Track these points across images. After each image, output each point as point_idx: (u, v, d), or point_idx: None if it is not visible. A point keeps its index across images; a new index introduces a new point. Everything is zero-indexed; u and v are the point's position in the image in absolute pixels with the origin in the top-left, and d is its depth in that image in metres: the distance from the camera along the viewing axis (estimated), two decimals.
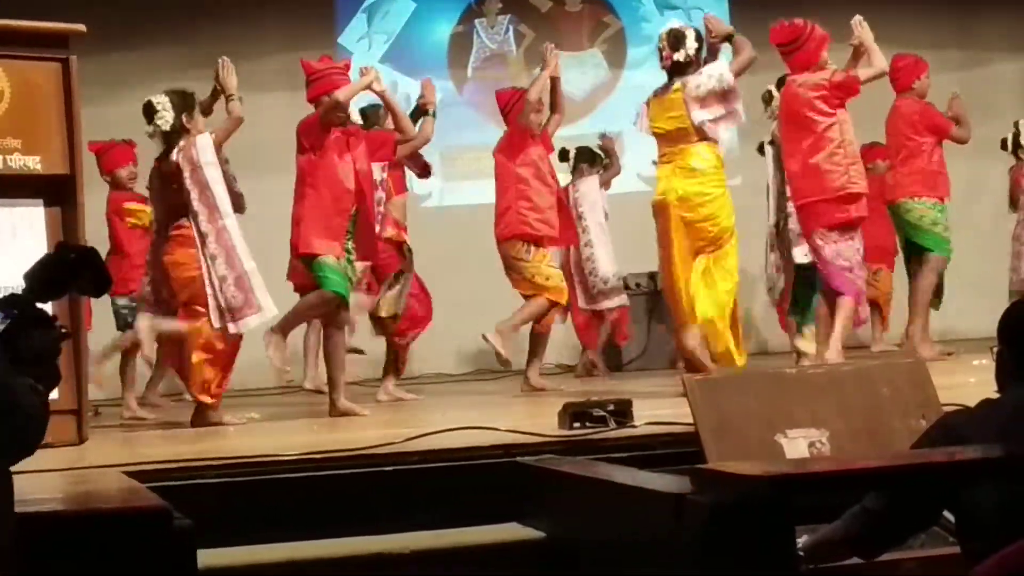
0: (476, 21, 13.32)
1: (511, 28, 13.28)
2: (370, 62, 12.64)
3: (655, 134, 8.04)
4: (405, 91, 12.56)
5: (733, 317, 7.82)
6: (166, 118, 7.63)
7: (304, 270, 7.93)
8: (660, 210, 7.92)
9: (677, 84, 7.94)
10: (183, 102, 7.67)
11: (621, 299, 10.57)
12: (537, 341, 9.15)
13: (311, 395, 9.33)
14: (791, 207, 8.78)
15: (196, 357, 7.55)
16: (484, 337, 8.82)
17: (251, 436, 7.02)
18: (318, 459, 5.45)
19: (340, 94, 7.80)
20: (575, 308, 10.43)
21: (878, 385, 4.87)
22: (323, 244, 7.74)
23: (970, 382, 7.38)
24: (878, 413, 4.82)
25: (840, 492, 3.86)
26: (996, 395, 3.85)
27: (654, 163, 8.22)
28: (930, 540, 4.24)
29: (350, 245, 7.87)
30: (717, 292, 7.72)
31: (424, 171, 9.29)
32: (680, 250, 7.82)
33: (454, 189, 12.60)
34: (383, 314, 8.65)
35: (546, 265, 9.00)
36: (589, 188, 10.54)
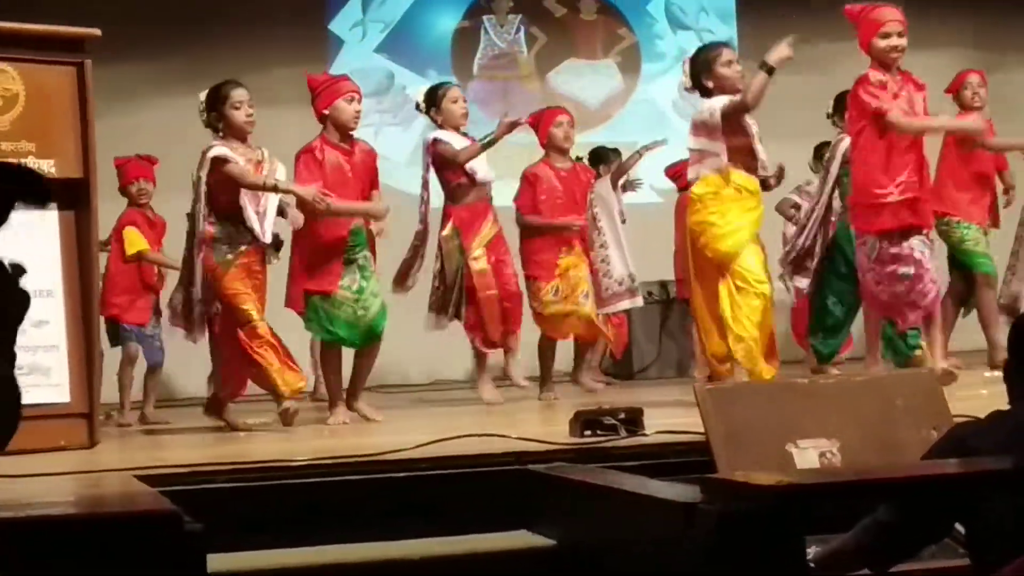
0: (484, 18, 13.12)
1: (523, 29, 13.13)
2: (364, 52, 12.65)
3: None
4: (401, 83, 12.51)
5: (767, 334, 7.72)
6: None
7: None
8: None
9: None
10: None
11: (635, 301, 10.43)
12: (582, 347, 9.26)
13: (322, 401, 9.33)
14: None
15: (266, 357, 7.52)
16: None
17: (262, 441, 7.03)
18: (328, 465, 5.45)
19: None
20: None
21: (889, 396, 4.86)
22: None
23: (982, 394, 7.38)
24: (889, 424, 4.81)
25: (851, 503, 3.86)
26: (1007, 407, 3.85)
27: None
28: (941, 552, 4.23)
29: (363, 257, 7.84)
30: (740, 314, 7.65)
31: None
32: (699, 275, 7.83)
33: None
34: None
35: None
36: (604, 189, 10.52)
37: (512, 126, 8.55)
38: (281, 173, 7.60)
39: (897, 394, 4.88)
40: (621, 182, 10.37)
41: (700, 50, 8.06)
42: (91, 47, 6.86)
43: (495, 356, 9.01)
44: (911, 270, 7.89)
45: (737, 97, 7.60)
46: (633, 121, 12.36)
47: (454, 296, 8.62)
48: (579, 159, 10.30)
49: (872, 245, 7.97)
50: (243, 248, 7.48)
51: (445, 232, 8.62)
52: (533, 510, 5.10)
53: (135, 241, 9.00)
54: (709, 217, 7.68)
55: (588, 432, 5.91)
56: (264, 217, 7.51)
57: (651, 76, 13.15)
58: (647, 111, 12.89)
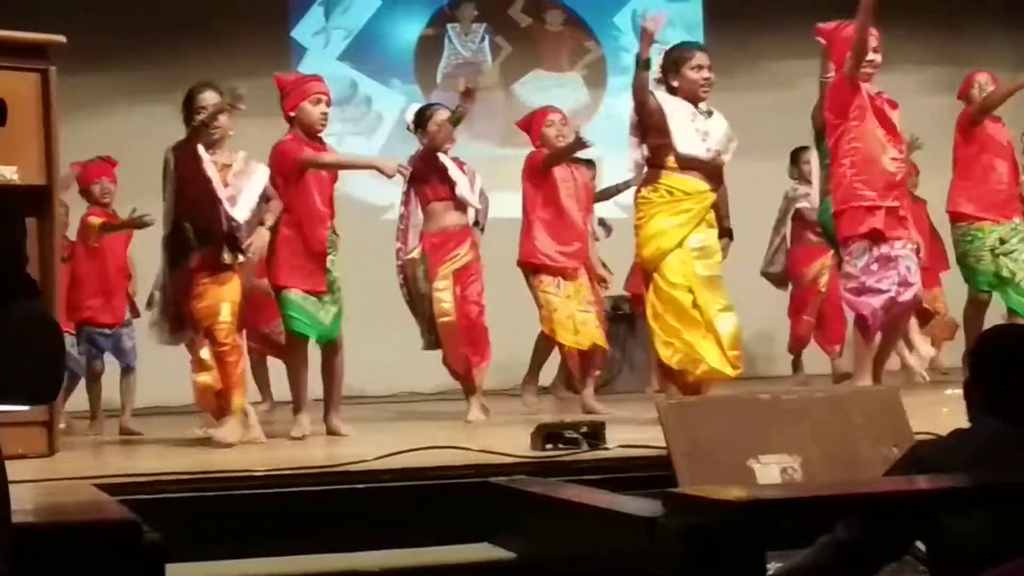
0: (448, 26, 12.98)
1: (487, 38, 13.01)
2: (327, 60, 12.45)
3: None
4: (365, 92, 12.43)
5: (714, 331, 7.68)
6: None
7: None
8: None
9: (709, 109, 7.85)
10: None
11: None
12: (583, 364, 9.18)
13: (282, 411, 9.30)
14: None
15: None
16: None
17: (222, 451, 7.00)
18: (289, 475, 5.44)
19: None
20: None
21: (851, 413, 4.88)
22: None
23: (943, 411, 7.40)
24: (851, 440, 4.83)
25: (812, 518, 3.86)
26: (968, 424, 3.86)
27: None
28: (900, 570, 4.24)
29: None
30: (663, 322, 7.66)
31: None
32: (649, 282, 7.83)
33: None
34: None
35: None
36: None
37: (469, 93, 8.50)
38: (262, 175, 7.51)
39: (858, 411, 4.90)
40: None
41: (675, 47, 8.03)
42: (56, 54, 6.82)
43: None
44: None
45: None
46: (598, 136, 12.26)
47: (427, 322, 8.54)
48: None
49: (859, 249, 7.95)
50: (209, 249, 7.39)
51: (413, 255, 8.54)
52: (494, 523, 5.09)
53: (95, 222, 8.89)
54: (639, 221, 7.69)
55: (550, 445, 5.91)
56: (236, 202, 7.41)
57: (617, 90, 13.06)
58: (613, 126, 12.79)
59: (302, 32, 12.67)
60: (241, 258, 7.37)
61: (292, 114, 7.74)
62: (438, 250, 8.48)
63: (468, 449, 5.89)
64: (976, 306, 9.41)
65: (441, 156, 8.56)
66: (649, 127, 7.66)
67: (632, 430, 6.33)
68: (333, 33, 12.68)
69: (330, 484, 5.36)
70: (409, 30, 12.86)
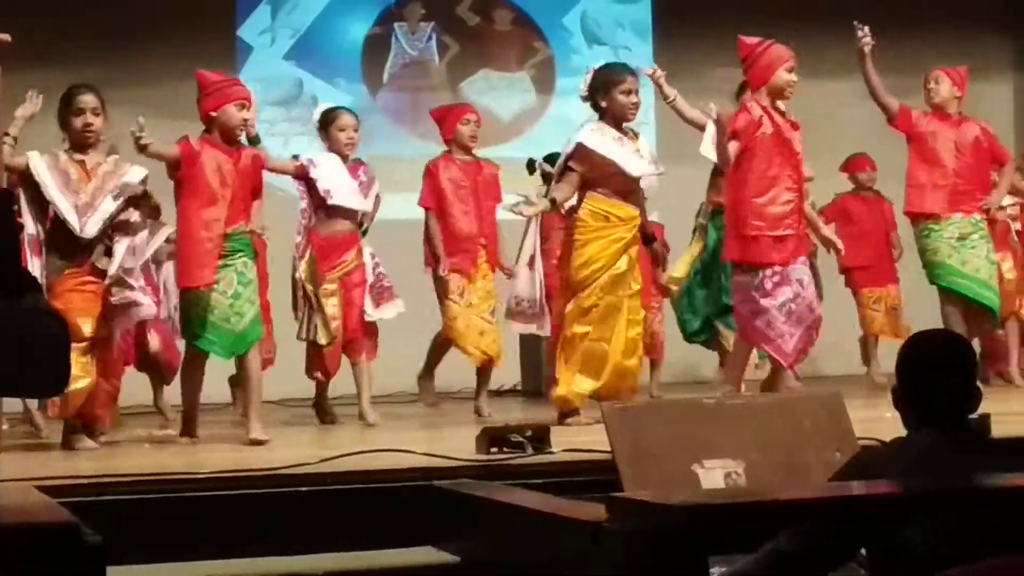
0: (396, 25, 12.83)
1: (434, 36, 12.87)
2: (273, 59, 12.35)
3: None
4: (311, 91, 12.35)
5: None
6: None
7: None
8: None
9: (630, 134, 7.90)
10: None
11: (526, 327, 10.27)
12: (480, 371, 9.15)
13: (226, 412, 9.27)
14: None
15: None
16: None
17: (164, 453, 6.97)
18: (232, 478, 5.42)
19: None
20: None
21: (795, 418, 4.90)
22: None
23: (886, 417, 7.43)
24: (794, 446, 4.84)
25: (755, 523, 3.87)
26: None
27: None
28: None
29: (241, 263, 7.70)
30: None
31: None
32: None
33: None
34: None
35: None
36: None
37: None
38: (133, 176, 7.38)
39: (802, 416, 4.91)
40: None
41: (605, 67, 8.05)
42: None
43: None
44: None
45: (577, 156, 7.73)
46: (546, 136, 12.24)
47: (310, 324, 8.50)
48: (531, 162, 10.20)
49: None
50: (75, 260, 7.32)
51: (305, 258, 8.49)
52: (438, 526, 5.09)
53: None
54: (576, 237, 7.73)
55: (495, 449, 5.91)
56: (85, 211, 7.26)
57: (566, 91, 13.00)
58: (561, 127, 12.77)
59: (248, 31, 12.53)
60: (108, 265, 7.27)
61: (213, 114, 7.56)
62: (326, 256, 8.43)
63: (413, 452, 5.88)
64: (948, 303, 9.42)
65: (332, 160, 8.57)
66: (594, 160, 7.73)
67: (577, 433, 6.33)
68: (279, 32, 12.56)
69: (274, 487, 5.35)
70: (356, 29, 12.76)
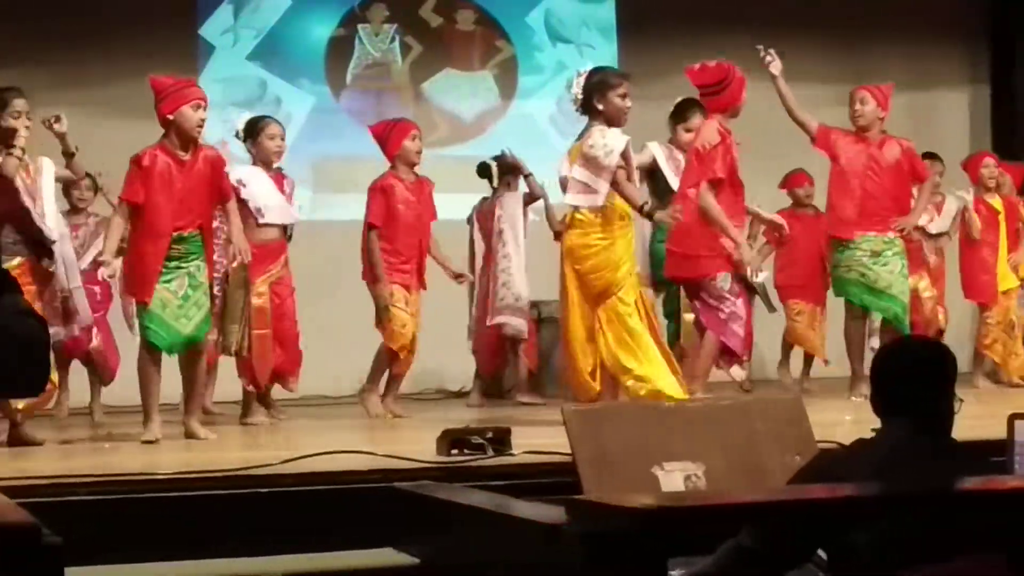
0: (359, 26, 12.72)
1: (397, 38, 12.77)
2: (236, 59, 12.22)
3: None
4: (274, 92, 12.32)
5: (668, 358, 7.84)
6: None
7: None
8: (561, 257, 7.98)
9: (587, 134, 7.87)
10: None
11: (520, 323, 10.40)
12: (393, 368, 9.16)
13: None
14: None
15: None
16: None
17: (124, 454, 6.95)
18: (192, 479, 5.41)
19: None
20: (481, 335, 10.38)
21: (755, 421, 4.91)
22: None
23: (845, 419, 7.48)
24: (754, 449, 4.86)
25: (714, 526, 3.88)
26: (868, 434, 3.91)
27: None
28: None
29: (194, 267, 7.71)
30: (610, 346, 7.73)
31: None
32: (574, 301, 7.85)
33: (326, 202, 11.93)
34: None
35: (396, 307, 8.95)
36: (514, 205, 10.47)
37: None
38: (48, 172, 7.50)
39: (761, 419, 4.93)
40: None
41: (601, 71, 8.11)
42: None
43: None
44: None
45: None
46: (509, 135, 12.22)
47: (242, 330, 8.51)
48: (485, 166, 10.24)
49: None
50: (18, 260, 7.34)
51: (235, 264, 8.47)
52: (398, 528, 5.09)
53: None
54: (599, 241, 7.75)
55: (455, 451, 5.91)
56: (44, 219, 7.42)
57: (529, 89, 13.01)
58: (524, 125, 12.77)
59: (210, 30, 12.39)
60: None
61: (170, 117, 7.58)
62: (257, 263, 8.41)
63: (373, 454, 5.87)
64: (853, 318, 9.66)
65: (259, 176, 8.61)
66: (606, 172, 7.78)
67: (538, 435, 6.33)
68: (242, 32, 12.46)
69: (234, 488, 5.33)
70: (319, 30, 12.70)
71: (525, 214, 10.36)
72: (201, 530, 5.10)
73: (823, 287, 10.63)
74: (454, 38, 13.00)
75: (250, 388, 8.66)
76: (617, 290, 7.76)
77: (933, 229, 10.92)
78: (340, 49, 12.65)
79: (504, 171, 10.37)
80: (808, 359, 11.14)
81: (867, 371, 4.41)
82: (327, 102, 12.38)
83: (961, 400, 3.91)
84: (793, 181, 10.95)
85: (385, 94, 12.64)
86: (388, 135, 9.13)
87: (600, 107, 7.81)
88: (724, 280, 8.40)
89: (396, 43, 12.78)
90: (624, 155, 7.79)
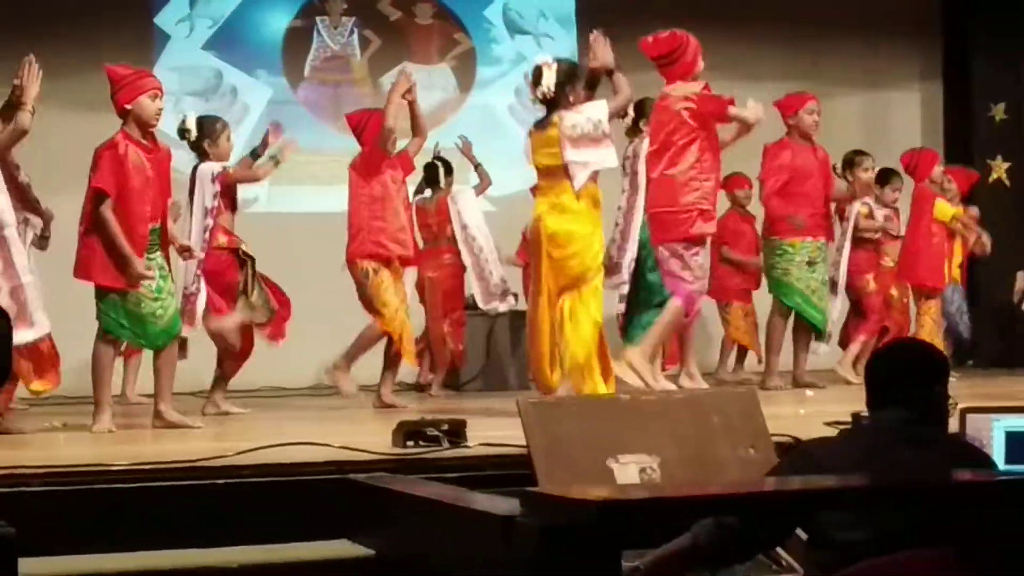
0: (317, 18, 12.74)
1: (356, 31, 12.80)
2: (191, 49, 12.20)
3: (536, 167, 8.01)
4: (231, 83, 12.28)
5: (603, 355, 7.85)
6: None
7: None
8: (533, 245, 7.93)
9: (555, 118, 7.81)
10: None
11: (509, 302, 10.64)
12: (393, 360, 9.13)
13: (142, 405, 9.22)
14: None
15: None
16: (327, 375, 8.88)
17: (79, 445, 6.92)
18: (147, 470, 5.39)
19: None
20: (435, 325, 10.46)
21: (709, 414, 4.92)
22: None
23: (800, 412, 7.52)
24: (709, 442, 4.87)
25: (668, 518, 3.90)
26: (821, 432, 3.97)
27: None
28: (755, 569, 4.30)
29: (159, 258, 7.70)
30: (582, 333, 7.73)
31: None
32: (548, 289, 7.80)
33: (284, 194, 11.82)
34: (262, 320, 8.61)
35: (385, 291, 8.92)
36: (468, 199, 10.55)
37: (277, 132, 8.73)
38: None
39: (716, 412, 4.94)
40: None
41: (570, 63, 8.15)
42: None
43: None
44: None
45: (616, 100, 7.89)
46: (466, 126, 12.22)
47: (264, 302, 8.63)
48: (432, 166, 10.30)
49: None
50: None
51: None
52: (353, 520, 5.09)
53: None
54: (581, 228, 7.74)
55: (411, 443, 5.91)
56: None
57: (487, 81, 13.04)
58: (482, 116, 12.79)
59: (165, 20, 12.34)
60: None
61: (128, 107, 7.57)
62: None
63: (329, 446, 5.87)
64: (780, 316, 10.08)
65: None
66: (607, 140, 7.85)
67: (494, 427, 6.34)
68: (198, 21, 12.40)
69: (189, 479, 5.32)
70: (277, 21, 12.65)
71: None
72: (155, 522, 5.09)
73: (756, 287, 10.89)
74: (412, 32, 13.03)
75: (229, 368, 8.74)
76: (593, 276, 7.76)
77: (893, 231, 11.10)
78: (298, 41, 12.62)
79: (449, 170, 10.46)
80: (742, 354, 11.52)
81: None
82: (284, 94, 12.35)
83: (956, 402, 3.99)
84: (733, 183, 11.05)
85: (343, 87, 12.63)
86: (365, 124, 9.19)
87: (571, 98, 7.82)
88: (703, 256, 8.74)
89: (355, 36, 12.78)
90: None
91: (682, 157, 8.56)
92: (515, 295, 10.78)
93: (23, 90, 7.26)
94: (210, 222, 8.53)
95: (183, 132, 8.70)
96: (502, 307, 10.58)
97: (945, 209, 10.98)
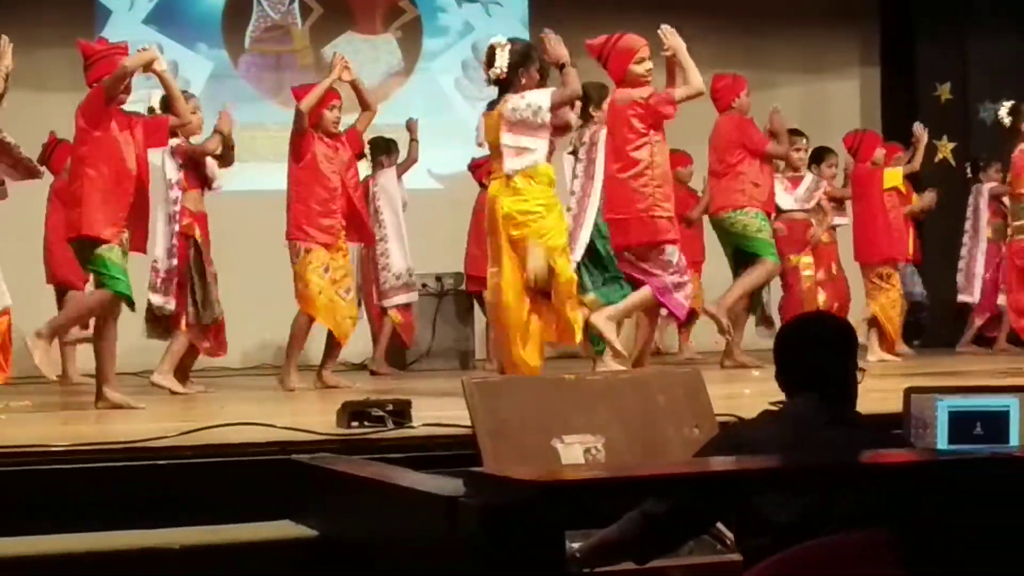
0: None
1: (296, 0, 12.71)
2: (132, 23, 12.11)
3: (489, 148, 7.96)
4: (172, 58, 12.06)
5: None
6: None
7: (75, 259, 7.78)
8: (490, 224, 7.87)
9: (502, 101, 7.81)
10: None
11: (411, 296, 10.57)
12: (333, 340, 9.11)
13: (83, 384, 9.16)
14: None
15: None
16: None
17: (19, 425, 6.85)
18: (88, 451, 5.35)
19: (127, 62, 7.64)
20: (371, 304, 10.46)
21: (654, 393, 4.92)
22: (107, 229, 7.54)
23: (745, 393, 7.53)
24: (653, 421, 4.87)
25: (612, 499, 3.89)
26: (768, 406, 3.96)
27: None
28: (698, 548, 4.30)
29: (124, 237, 7.68)
30: (560, 293, 7.74)
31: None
32: (510, 268, 7.74)
33: (225, 172, 11.91)
34: (207, 321, 8.65)
35: (313, 271, 8.88)
36: (387, 181, 10.50)
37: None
38: None
39: (661, 392, 4.94)
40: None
41: (523, 42, 8.12)
42: None
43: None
44: None
45: (562, 92, 7.77)
46: (413, 100, 12.11)
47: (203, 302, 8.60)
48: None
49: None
50: None
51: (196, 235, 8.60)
52: (296, 500, 5.06)
53: None
54: (539, 207, 7.69)
55: (355, 423, 5.89)
56: None
57: (433, 52, 12.82)
58: (428, 90, 12.63)
59: None
60: None
61: (105, 79, 7.63)
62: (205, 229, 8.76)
63: (272, 426, 5.84)
64: (769, 275, 10.30)
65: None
66: (544, 129, 7.77)
67: (439, 408, 6.33)
68: None
69: (130, 460, 5.29)
70: None
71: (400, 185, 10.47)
72: (97, 503, 5.04)
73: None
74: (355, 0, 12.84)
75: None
76: (556, 255, 7.72)
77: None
78: (237, 11, 12.44)
79: (377, 151, 10.42)
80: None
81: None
82: (225, 68, 12.20)
83: (863, 371, 3.98)
84: (674, 161, 11.04)
85: (285, 58, 12.47)
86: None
87: (523, 80, 7.77)
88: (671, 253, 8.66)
89: (296, 5, 12.59)
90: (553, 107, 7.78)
91: (631, 164, 8.56)
92: (426, 283, 10.78)
93: None
94: (177, 194, 8.52)
95: (151, 111, 8.67)
96: (400, 301, 10.50)
97: (894, 175, 11.03)
